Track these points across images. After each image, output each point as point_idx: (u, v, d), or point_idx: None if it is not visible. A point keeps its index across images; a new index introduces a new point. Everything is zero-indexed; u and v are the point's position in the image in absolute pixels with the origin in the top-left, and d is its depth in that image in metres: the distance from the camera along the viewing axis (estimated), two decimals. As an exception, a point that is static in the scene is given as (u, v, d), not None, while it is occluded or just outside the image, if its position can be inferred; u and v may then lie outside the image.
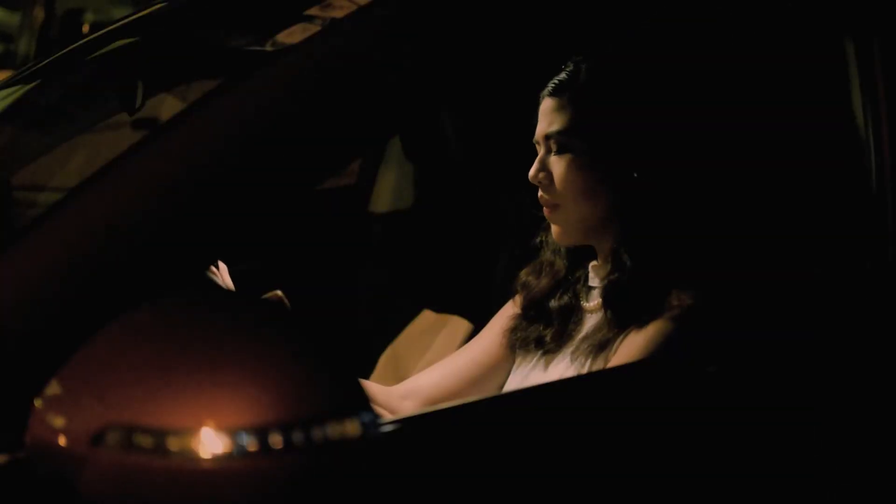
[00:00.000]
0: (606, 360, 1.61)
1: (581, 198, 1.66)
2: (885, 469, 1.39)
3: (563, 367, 1.69)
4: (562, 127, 1.67)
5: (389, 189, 2.72)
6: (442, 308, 2.37)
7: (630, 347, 1.59)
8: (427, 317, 2.39)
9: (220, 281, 1.71)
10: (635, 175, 1.64)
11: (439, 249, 2.54)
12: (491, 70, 1.36)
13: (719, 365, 1.39)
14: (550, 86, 1.70)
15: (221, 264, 1.73)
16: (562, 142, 1.67)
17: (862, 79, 1.48)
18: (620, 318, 1.64)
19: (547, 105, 1.70)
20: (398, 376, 2.32)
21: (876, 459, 1.40)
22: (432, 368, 1.90)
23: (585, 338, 1.69)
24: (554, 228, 1.72)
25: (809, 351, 1.42)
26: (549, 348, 1.74)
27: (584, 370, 1.64)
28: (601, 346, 1.64)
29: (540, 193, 1.70)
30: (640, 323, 1.60)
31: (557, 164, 1.67)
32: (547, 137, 1.69)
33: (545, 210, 1.71)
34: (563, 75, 1.69)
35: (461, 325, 2.30)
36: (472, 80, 1.36)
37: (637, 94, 1.67)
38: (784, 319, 1.50)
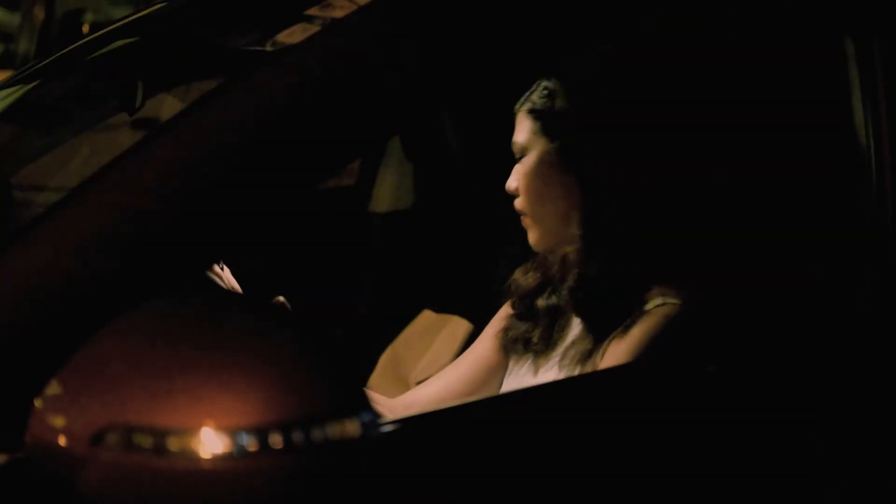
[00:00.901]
0: (595, 367, 1.62)
1: (540, 204, 1.73)
2: (885, 469, 1.39)
3: (552, 375, 1.70)
4: (521, 138, 1.74)
5: (389, 189, 2.72)
6: (442, 308, 2.37)
7: (616, 353, 1.59)
8: (427, 317, 2.39)
9: (222, 282, 1.72)
10: (587, 181, 1.67)
11: (439, 249, 2.54)
12: (491, 70, 1.36)
13: (719, 365, 1.39)
14: (520, 101, 1.77)
15: (225, 267, 1.74)
16: (521, 151, 1.74)
17: (862, 79, 1.48)
18: (591, 322, 1.65)
19: (517, 118, 1.77)
20: (398, 376, 2.32)
21: (876, 459, 1.40)
22: (430, 381, 1.93)
23: (573, 343, 1.69)
24: (528, 235, 1.76)
25: (809, 351, 1.42)
26: (536, 349, 1.75)
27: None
28: (588, 352, 1.64)
29: (515, 201, 1.76)
30: (625, 327, 1.60)
31: (520, 173, 1.74)
32: (513, 148, 1.76)
33: (521, 218, 1.77)
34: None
35: (461, 325, 2.30)
36: (473, 81, 1.36)
37: (590, 107, 1.69)
38: (784, 319, 1.50)
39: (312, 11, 1.84)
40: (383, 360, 2.38)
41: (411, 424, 1.23)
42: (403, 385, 2.29)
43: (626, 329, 1.59)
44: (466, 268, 2.43)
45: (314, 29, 1.75)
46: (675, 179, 1.68)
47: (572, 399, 1.34)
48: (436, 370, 2.15)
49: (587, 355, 1.64)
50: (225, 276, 1.75)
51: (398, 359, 2.36)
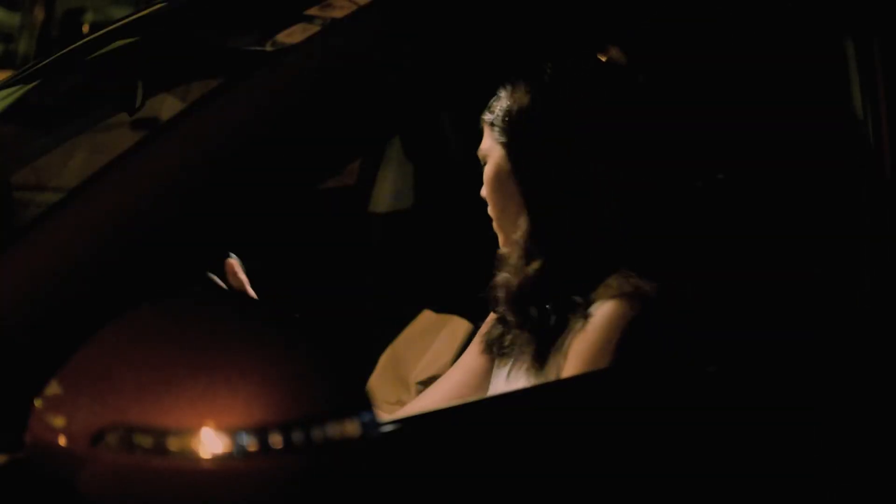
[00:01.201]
0: (559, 369, 1.61)
1: (498, 209, 1.76)
2: (885, 469, 1.39)
3: (522, 382, 1.70)
4: (483, 146, 1.77)
5: (389, 189, 2.72)
6: (442, 308, 2.37)
7: (576, 356, 1.59)
8: (427, 317, 2.39)
9: (231, 278, 1.71)
10: (527, 186, 1.69)
11: (439, 249, 2.54)
12: (491, 69, 1.36)
13: (719, 365, 1.39)
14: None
15: (236, 262, 1.73)
16: (484, 159, 1.77)
17: (862, 79, 1.48)
18: (529, 325, 1.68)
19: (483, 127, 1.80)
20: (398, 376, 2.31)
21: (876, 459, 1.40)
22: (425, 394, 1.93)
23: (539, 349, 1.69)
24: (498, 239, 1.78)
25: (809, 351, 1.42)
26: (506, 353, 1.76)
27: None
28: (548, 357, 1.64)
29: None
30: (581, 328, 1.60)
31: (484, 180, 1.78)
32: (478, 155, 1.79)
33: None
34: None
35: (461, 325, 2.29)
36: (473, 81, 1.36)
37: (534, 114, 1.69)
38: (783, 319, 1.50)
39: (312, 11, 1.85)
40: (383, 360, 2.37)
41: (411, 424, 1.23)
42: (403, 385, 2.29)
43: (582, 330, 1.59)
44: (466, 268, 2.42)
45: (314, 29, 1.75)
46: (624, 183, 1.67)
47: (572, 399, 1.34)
48: (436, 370, 2.15)
49: (547, 360, 1.64)
50: (238, 271, 1.74)
51: (398, 359, 2.36)
